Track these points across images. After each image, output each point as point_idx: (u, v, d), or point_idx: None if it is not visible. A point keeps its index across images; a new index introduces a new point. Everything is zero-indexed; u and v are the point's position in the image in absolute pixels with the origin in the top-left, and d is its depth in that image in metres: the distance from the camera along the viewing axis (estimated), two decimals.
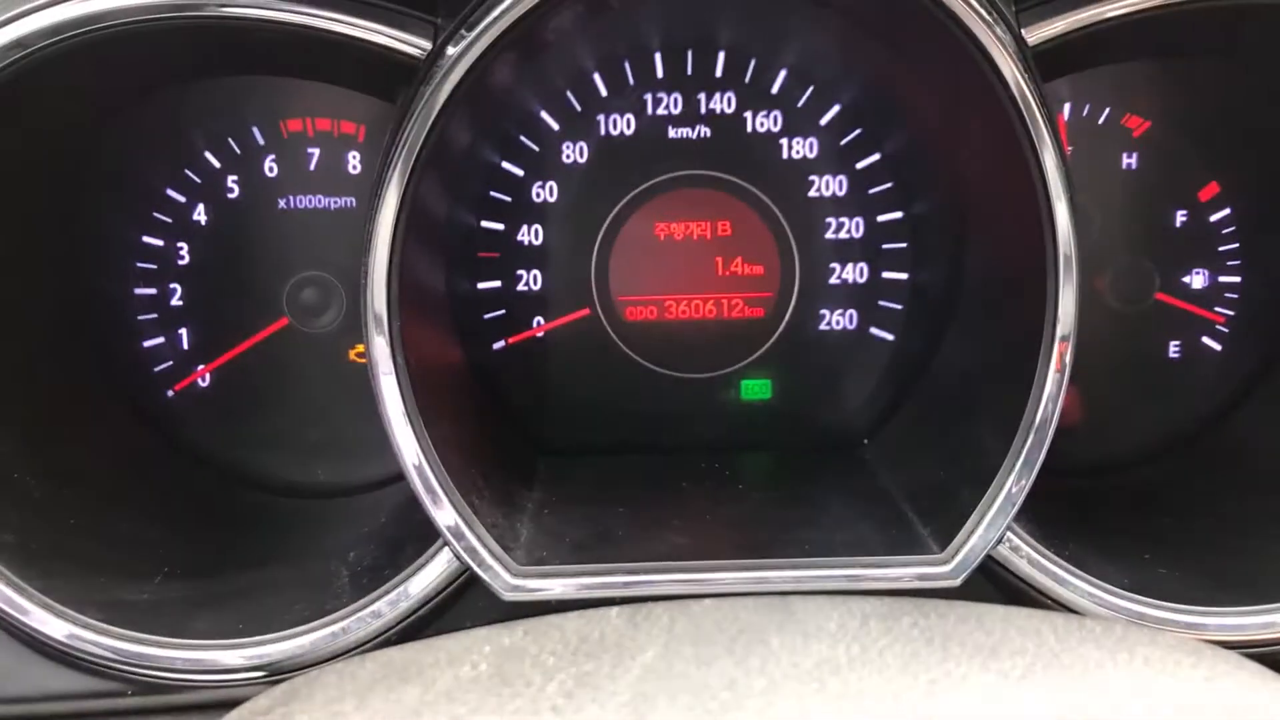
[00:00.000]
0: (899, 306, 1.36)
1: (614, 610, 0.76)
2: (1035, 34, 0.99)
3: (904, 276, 1.35)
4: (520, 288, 1.33)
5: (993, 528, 1.00)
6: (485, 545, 1.00)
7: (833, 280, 1.35)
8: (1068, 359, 1.00)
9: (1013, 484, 1.01)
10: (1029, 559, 1.02)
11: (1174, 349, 1.36)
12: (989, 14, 0.94)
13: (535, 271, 1.33)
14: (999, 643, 0.71)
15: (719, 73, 1.31)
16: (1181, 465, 1.32)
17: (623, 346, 1.35)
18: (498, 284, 1.33)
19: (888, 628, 0.72)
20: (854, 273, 1.36)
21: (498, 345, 1.34)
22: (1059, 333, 0.99)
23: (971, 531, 1.00)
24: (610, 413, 1.36)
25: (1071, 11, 0.98)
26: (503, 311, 1.34)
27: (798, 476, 1.29)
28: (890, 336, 1.36)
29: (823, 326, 1.36)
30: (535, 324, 1.34)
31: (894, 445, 1.29)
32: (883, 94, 1.29)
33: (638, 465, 1.32)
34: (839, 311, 1.36)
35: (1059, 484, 1.20)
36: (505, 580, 0.99)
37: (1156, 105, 1.33)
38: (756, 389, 1.37)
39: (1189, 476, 1.30)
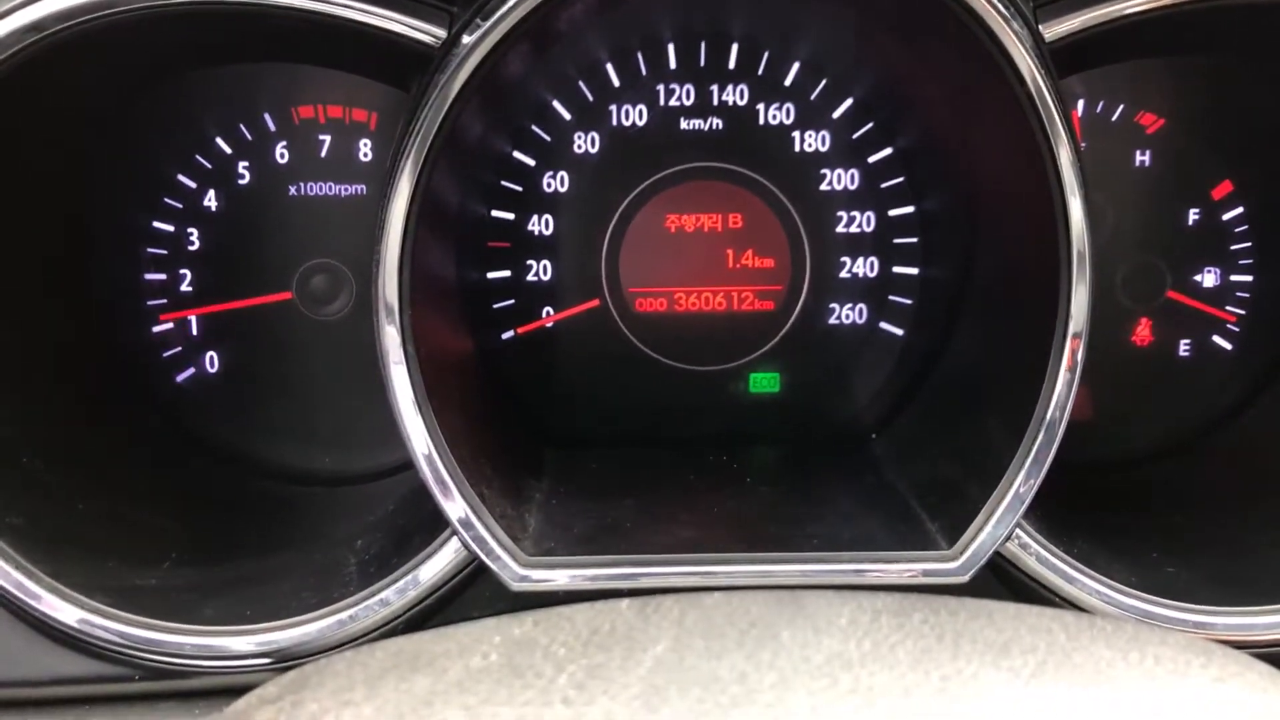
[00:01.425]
0: (909, 301, 1.36)
1: (624, 602, 0.76)
2: (1052, 30, 0.98)
3: (915, 271, 1.35)
4: (530, 278, 1.33)
5: (1001, 525, 1.00)
6: (494, 535, 1.00)
7: (843, 274, 1.35)
8: (1080, 357, 0.99)
9: (1022, 481, 1.00)
10: (1037, 556, 1.02)
11: (1185, 348, 1.36)
12: (1006, 9, 0.94)
13: (545, 262, 1.33)
14: (1010, 640, 0.71)
15: (732, 64, 1.31)
16: (1192, 464, 1.32)
17: (632, 338, 1.34)
18: (507, 274, 1.33)
19: (899, 624, 0.72)
20: (864, 267, 1.35)
21: (507, 335, 1.34)
22: (1071, 330, 0.99)
23: (980, 528, 1.00)
24: (619, 404, 1.36)
25: (1090, 8, 0.97)
26: (512, 301, 1.34)
27: (806, 471, 1.29)
28: (900, 331, 1.36)
29: (832, 321, 1.36)
30: (545, 314, 1.34)
31: (903, 440, 1.29)
32: (896, 88, 1.28)
33: (646, 457, 1.32)
34: (849, 306, 1.36)
35: (1068, 481, 1.20)
36: (514, 570, 0.99)
37: (1171, 103, 1.33)
38: (765, 382, 1.37)
39: (1199, 475, 1.30)
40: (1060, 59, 0.99)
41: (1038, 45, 0.96)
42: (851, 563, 1.00)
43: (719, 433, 1.36)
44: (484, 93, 1.01)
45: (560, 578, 1.00)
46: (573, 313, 1.33)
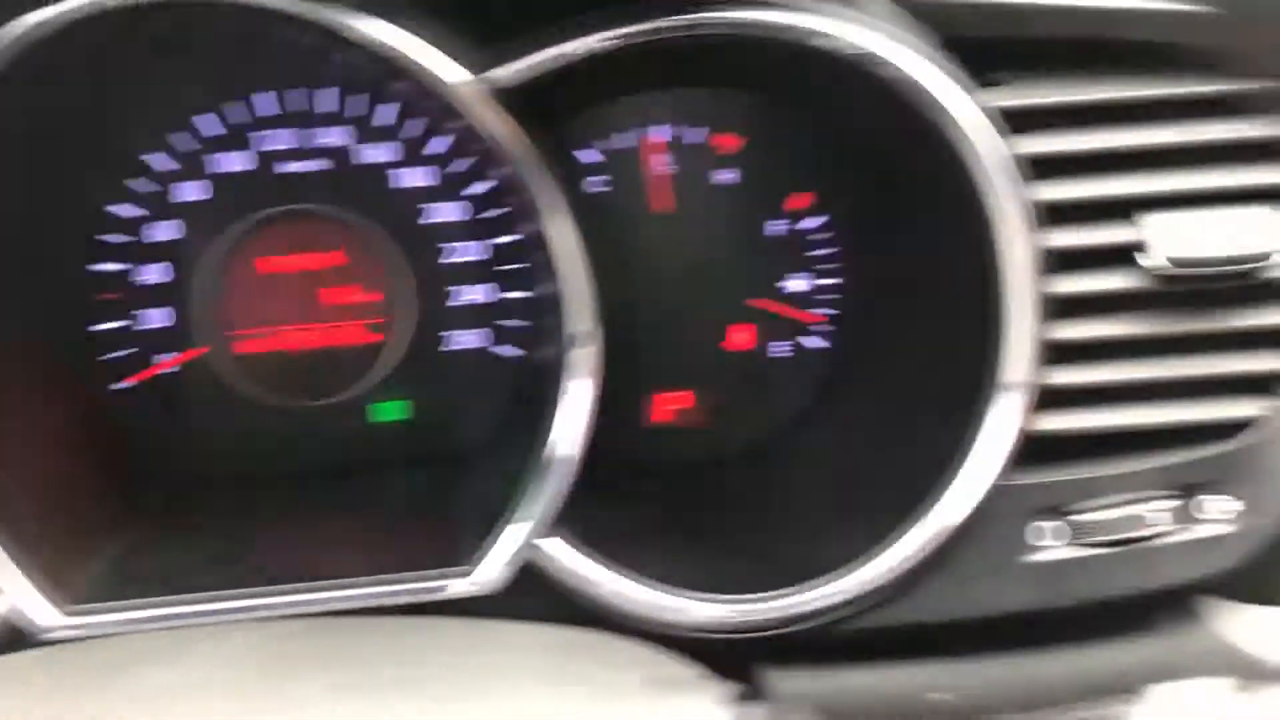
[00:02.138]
0: (524, 324, 1.42)
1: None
2: (512, 75, 1.05)
3: (528, 295, 1.41)
4: (138, 327, 1.36)
5: (520, 537, 1.06)
6: (32, 585, 1.03)
7: (453, 303, 1.41)
8: (578, 383, 1.07)
9: (539, 493, 1.07)
10: (559, 566, 1.08)
11: (776, 351, 1.44)
12: (440, 60, 1.00)
13: (153, 310, 1.36)
14: (384, 653, 0.77)
15: (330, 108, 1.36)
16: (773, 462, 1.40)
17: (243, 380, 1.38)
18: (113, 325, 1.35)
19: (271, 652, 0.77)
20: (477, 293, 1.42)
21: (118, 386, 1.36)
22: (569, 360, 1.07)
23: (497, 542, 1.07)
24: (235, 447, 1.39)
25: (542, 51, 1.05)
26: (121, 352, 1.36)
27: (410, 494, 1.34)
28: (518, 352, 1.42)
29: (448, 348, 1.42)
30: (155, 362, 1.37)
31: (494, 458, 1.36)
32: None
33: (264, 496, 1.35)
34: (464, 331, 1.42)
35: (638, 486, 1.28)
36: (40, 623, 1.02)
37: (752, 123, 1.41)
38: (388, 410, 1.42)
39: (771, 475, 1.38)
40: (550, 99, 1.07)
41: (495, 92, 1.03)
42: (369, 586, 1.05)
43: (345, 464, 1.40)
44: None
45: (99, 623, 1.03)
46: (181, 360, 1.37)
